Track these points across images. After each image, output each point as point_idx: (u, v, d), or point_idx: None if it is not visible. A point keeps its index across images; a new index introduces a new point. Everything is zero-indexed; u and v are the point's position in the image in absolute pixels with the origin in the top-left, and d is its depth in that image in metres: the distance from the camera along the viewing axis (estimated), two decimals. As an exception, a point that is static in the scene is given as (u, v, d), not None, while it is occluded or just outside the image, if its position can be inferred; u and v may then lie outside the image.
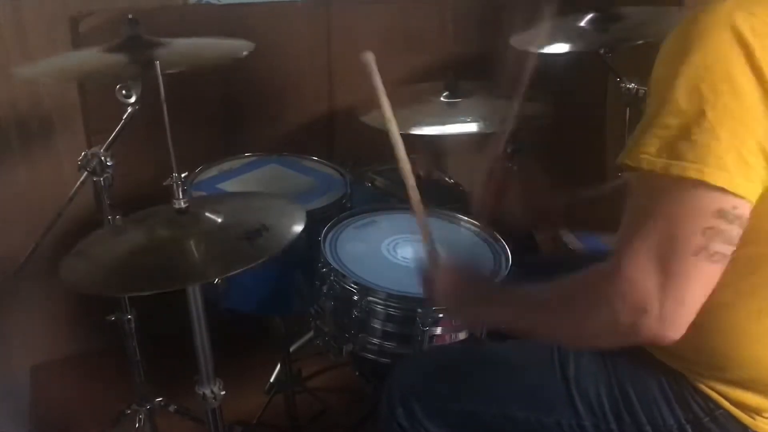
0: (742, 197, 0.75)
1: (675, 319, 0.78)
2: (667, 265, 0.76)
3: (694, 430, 0.94)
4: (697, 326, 0.86)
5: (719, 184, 0.74)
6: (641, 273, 0.77)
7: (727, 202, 0.75)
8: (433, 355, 1.27)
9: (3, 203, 1.90)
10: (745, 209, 0.76)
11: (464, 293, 1.08)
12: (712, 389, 0.92)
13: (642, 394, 0.97)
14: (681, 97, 0.76)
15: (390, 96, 2.06)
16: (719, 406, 0.92)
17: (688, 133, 0.75)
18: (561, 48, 1.73)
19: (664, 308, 0.77)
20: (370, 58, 1.18)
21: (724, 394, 0.92)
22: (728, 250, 0.76)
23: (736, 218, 0.76)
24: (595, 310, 0.83)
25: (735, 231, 0.76)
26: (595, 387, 1.00)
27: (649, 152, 0.78)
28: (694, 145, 0.75)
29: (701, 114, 0.75)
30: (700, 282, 0.77)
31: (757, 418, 0.92)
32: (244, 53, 1.41)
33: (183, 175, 1.12)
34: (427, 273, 1.13)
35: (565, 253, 1.66)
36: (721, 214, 0.75)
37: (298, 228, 1.16)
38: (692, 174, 0.75)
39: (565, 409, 1.01)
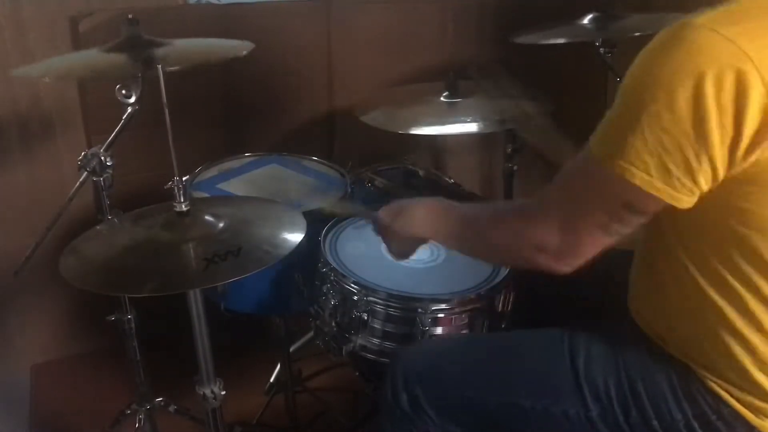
0: (656, 197, 0.81)
1: (567, 262, 0.92)
2: (571, 225, 0.90)
3: (701, 427, 0.94)
4: (716, 341, 0.90)
5: (635, 182, 0.81)
6: (549, 221, 0.91)
7: (637, 198, 0.83)
8: (439, 343, 1.26)
9: (3, 203, 1.90)
10: (654, 206, 0.84)
11: (399, 217, 1.17)
12: (721, 387, 0.93)
13: (650, 388, 0.97)
14: (630, 93, 0.82)
15: (389, 96, 2.07)
16: (727, 405, 0.92)
17: (623, 127, 0.81)
18: (558, 39, 1.76)
19: (560, 254, 0.92)
20: None
21: (732, 393, 0.92)
22: (627, 231, 0.88)
23: (642, 212, 0.86)
24: (509, 234, 0.98)
25: (637, 220, 0.87)
26: (604, 378, 1.00)
27: (596, 136, 0.86)
28: (624, 140, 0.81)
29: (638, 112, 0.79)
30: (594, 245, 0.90)
31: (765, 419, 0.92)
32: (244, 53, 1.41)
33: (184, 178, 1.12)
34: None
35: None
36: (628, 205, 0.85)
37: (267, 262, 1.09)
38: (615, 168, 0.82)
39: (573, 399, 1.01)
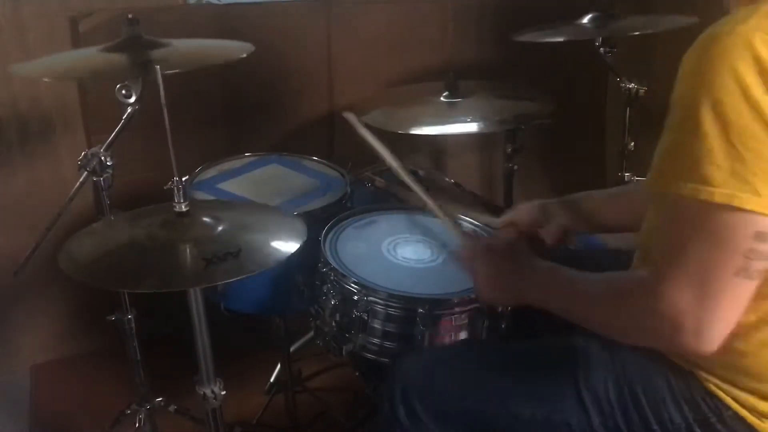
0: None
1: (711, 335, 0.81)
2: (707, 287, 0.79)
3: (703, 430, 0.94)
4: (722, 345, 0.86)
5: (750, 207, 0.75)
6: (680, 294, 0.80)
7: (763, 224, 0.76)
8: (435, 353, 1.26)
9: (3, 203, 1.90)
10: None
11: (507, 272, 1.08)
12: (723, 391, 0.93)
13: (650, 393, 0.97)
14: (704, 119, 0.76)
15: (389, 96, 2.07)
16: (728, 408, 0.92)
17: (714, 156, 0.76)
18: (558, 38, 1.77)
19: (701, 326, 0.80)
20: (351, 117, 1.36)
21: (735, 397, 0.92)
22: (767, 265, 0.79)
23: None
24: (637, 316, 0.87)
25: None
26: (604, 384, 1.00)
27: (677, 176, 0.79)
28: (720, 169, 0.76)
29: (724, 136, 0.75)
30: (739, 299, 0.80)
31: (765, 420, 0.92)
32: (243, 55, 1.41)
33: (184, 178, 1.12)
34: (466, 255, 1.14)
35: (563, 250, 1.65)
36: (759, 236, 0.76)
37: (266, 264, 1.10)
38: (721, 199, 0.76)
39: (574, 407, 1.01)
